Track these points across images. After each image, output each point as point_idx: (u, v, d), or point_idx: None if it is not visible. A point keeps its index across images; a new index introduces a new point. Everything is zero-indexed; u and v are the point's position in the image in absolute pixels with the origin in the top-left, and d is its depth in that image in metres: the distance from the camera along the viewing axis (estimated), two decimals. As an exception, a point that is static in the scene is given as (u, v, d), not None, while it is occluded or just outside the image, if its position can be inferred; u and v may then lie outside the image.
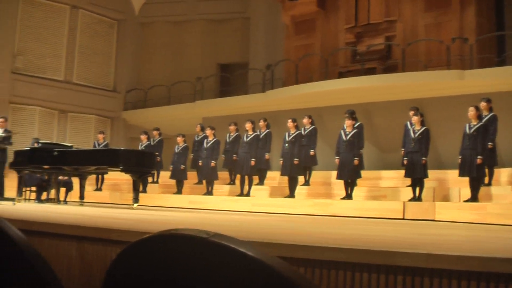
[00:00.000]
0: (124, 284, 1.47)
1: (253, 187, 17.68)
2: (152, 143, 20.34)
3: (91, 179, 18.74)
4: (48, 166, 14.63)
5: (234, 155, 18.32)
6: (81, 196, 15.69)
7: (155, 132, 20.71)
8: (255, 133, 17.73)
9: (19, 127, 23.81)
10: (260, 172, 17.96)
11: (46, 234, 5.37)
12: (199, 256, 1.32)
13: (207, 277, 1.31)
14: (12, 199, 14.14)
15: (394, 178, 16.80)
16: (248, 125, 17.77)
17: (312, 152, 17.10)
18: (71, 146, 15.85)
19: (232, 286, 1.28)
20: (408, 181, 15.22)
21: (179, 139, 19.86)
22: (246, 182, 17.64)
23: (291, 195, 16.63)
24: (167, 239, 1.39)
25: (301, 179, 17.20)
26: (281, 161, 16.97)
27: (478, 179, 13.78)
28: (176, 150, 19.75)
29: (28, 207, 11.44)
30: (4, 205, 12.07)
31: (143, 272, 1.43)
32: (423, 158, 14.52)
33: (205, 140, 18.90)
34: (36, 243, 5.15)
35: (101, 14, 28.94)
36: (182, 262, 1.35)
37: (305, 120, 17.40)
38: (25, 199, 15.97)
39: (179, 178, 19.59)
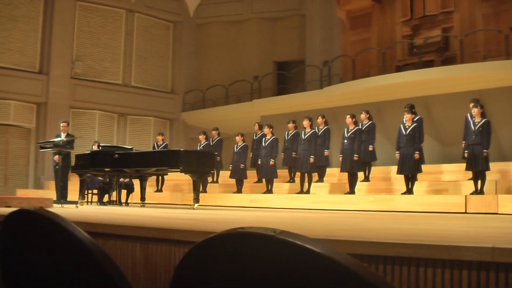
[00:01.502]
0: (192, 282, 1.48)
1: (313, 184, 17.66)
2: (211, 143, 20.43)
3: (151, 180, 18.86)
4: (109, 169, 14.80)
5: (294, 153, 18.31)
6: (142, 198, 15.81)
7: (214, 132, 20.78)
8: (313, 130, 17.69)
9: (80, 131, 24.17)
10: (320, 169, 17.91)
11: (110, 236, 5.43)
12: (267, 254, 1.32)
13: (275, 274, 1.32)
14: (74, 202, 14.34)
15: (455, 172, 16.59)
16: (305, 122, 17.75)
17: (371, 148, 16.96)
18: (131, 148, 15.99)
19: (301, 283, 1.28)
20: (470, 174, 15.01)
21: (238, 138, 19.89)
22: (306, 179, 17.62)
23: (351, 191, 16.56)
24: (234, 237, 1.39)
25: (360, 175, 17.10)
26: (341, 158, 16.91)
27: (542, 170, 13.55)
28: (236, 150, 19.78)
29: (91, 210, 11.60)
30: (67, 208, 12.25)
31: (211, 270, 1.44)
32: (485, 150, 14.27)
33: (264, 139, 18.92)
34: (100, 245, 5.22)
35: (156, 17, 29.23)
36: (250, 260, 1.36)
37: (363, 116, 17.26)
38: (87, 202, 16.18)
39: (239, 177, 19.64)
